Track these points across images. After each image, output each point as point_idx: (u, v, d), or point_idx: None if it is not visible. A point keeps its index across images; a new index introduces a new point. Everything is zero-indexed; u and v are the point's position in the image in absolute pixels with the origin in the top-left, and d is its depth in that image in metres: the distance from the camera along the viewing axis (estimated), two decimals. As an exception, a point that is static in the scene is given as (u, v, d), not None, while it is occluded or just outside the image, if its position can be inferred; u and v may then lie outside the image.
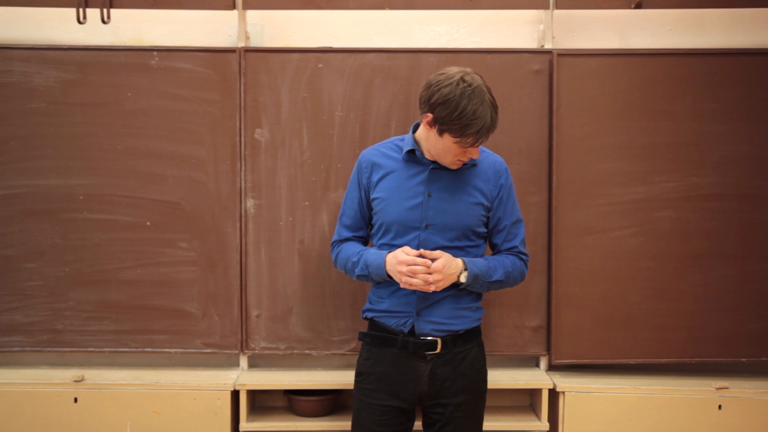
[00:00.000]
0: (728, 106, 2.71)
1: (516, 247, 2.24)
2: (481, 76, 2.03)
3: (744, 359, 2.75)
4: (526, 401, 2.90)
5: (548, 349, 2.78)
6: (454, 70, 2.02)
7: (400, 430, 2.23)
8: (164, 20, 2.85)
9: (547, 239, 2.75)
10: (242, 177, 2.74)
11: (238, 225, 2.74)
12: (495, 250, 2.27)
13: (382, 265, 2.13)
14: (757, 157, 2.72)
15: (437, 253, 2.09)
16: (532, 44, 2.85)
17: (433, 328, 2.16)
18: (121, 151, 2.73)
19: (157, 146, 2.73)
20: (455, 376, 2.18)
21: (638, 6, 2.72)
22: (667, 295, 2.74)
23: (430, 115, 2.03)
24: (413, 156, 2.17)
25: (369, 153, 2.27)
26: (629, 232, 2.73)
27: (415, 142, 2.18)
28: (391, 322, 2.20)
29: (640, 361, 2.76)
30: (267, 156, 2.74)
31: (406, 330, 2.17)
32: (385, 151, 2.24)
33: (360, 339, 2.27)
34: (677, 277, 2.73)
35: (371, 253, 2.18)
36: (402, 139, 2.23)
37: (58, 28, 2.83)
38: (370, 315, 2.26)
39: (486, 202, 2.19)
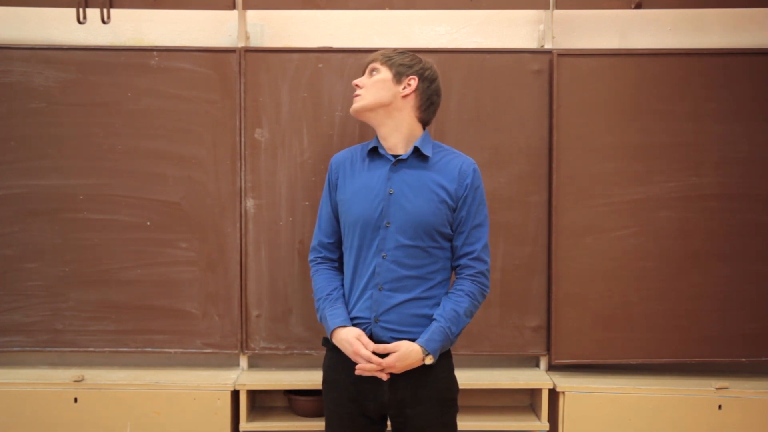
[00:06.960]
0: (728, 106, 2.71)
1: (475, 251, 2.12)
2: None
3: (744, 359, 2.75)
4: (526, 401, 2.90)
5: (548, 349, 2.78)
6: None
7: None
8: (164, 20, 2.85)
9: (547, 239, 2.75)
10: (242, 177, 2.74)
11: (238, 225, 2.74)
12: (455, 253, 2.15)
13: (330, 333, 2.10)
14: (757, 157, 2.72)
15: (392, 346, 2.03)
16: (532, 44, 2.85)
17: (392, 335, 2.07)
18: (121, 151, 2.73)
19: (157, 146, 2.73)
20: (417, 385, 2.08)
21: (638, 6, 2.72)
22: (667, 295, 2.74)
23: None
24: (377, 154, 2.16)
25: (338, 155, 2.27)
26: (629, 232, 2.73)
27: (380, 141, 2.17)
28: None
29: (640, 361, 2.76)
30: (267, 156, 2.74)
31: None
32: (352, 151, 2.24)
33: (323, 345, 2.21)
34: (677, 277, 2.74)
35: (329, 313, 2.13)
36: (371, 142, 2.22)
37: (58, 28, 2.83)
38: None
39: (450, 202, 2.11)
